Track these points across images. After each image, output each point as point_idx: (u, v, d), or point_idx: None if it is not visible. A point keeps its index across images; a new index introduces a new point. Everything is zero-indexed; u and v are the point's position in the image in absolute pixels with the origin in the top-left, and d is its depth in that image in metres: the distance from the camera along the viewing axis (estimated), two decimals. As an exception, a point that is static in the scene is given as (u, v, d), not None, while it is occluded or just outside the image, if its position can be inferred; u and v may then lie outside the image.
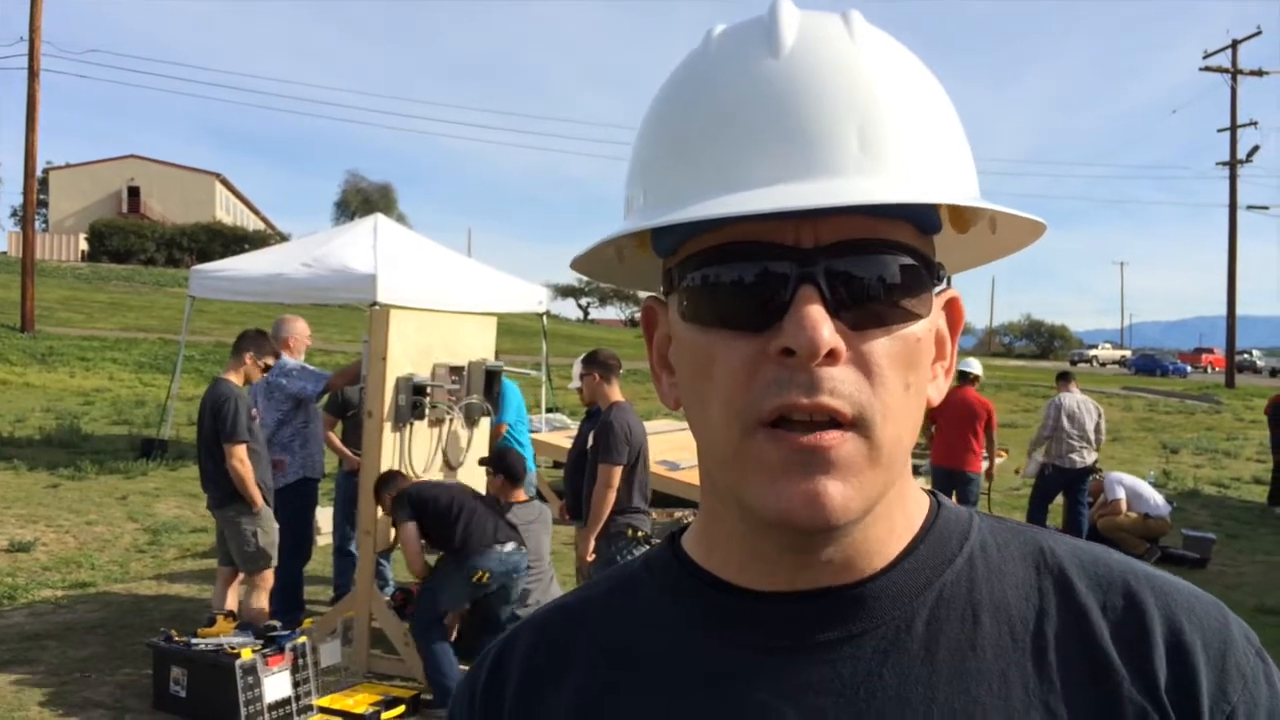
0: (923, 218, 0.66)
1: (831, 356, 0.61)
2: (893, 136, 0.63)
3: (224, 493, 5.67)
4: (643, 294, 0.81)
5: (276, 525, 5.81)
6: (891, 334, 0.63)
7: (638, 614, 0.74)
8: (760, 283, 0.63)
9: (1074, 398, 9.63)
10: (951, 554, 0.70)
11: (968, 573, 0.69)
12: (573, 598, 0.81)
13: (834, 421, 0.61)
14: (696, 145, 0.65)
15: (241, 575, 5.77)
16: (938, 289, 0.68)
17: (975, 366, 9.44)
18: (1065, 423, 9.42)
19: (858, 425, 0.62)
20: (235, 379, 5.77)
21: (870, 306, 0.63)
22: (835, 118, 0.62)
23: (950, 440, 8.91)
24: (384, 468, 5.54)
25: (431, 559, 5.40)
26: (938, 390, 0.70)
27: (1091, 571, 0.70)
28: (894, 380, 0.63)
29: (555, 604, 0.81)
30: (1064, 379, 10.10)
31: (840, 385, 0.61)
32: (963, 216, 0.69)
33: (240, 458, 5.57)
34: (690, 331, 0.66)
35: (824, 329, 0.60)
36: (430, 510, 5.18)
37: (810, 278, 0.61)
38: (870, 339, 0.63)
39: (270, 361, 5.93)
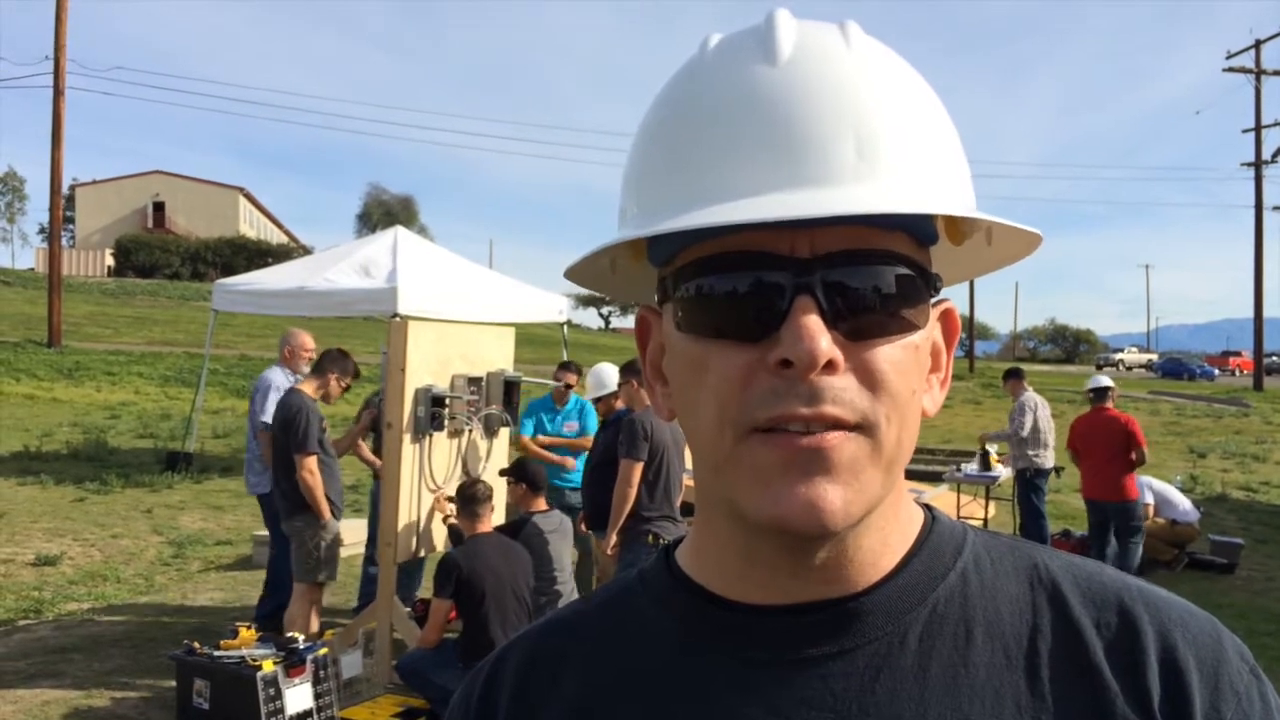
0: (919, 228, 0.66)
1: (830, 367, 0.60)
2: (888, 146, 0.62)
3: (292, 503, 5.67)
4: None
5: (341, 539, 5.82)
6: (890, 343, 0.63)
7: (630, 627, 0.74)
8: (756, 293, 0.62)
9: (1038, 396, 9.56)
10: (945, 569, 0.70)
11: (961, 588, 0.69)
12: (569, 610, 0.81)
13: (836, 425, 0.61)
14: (691, 154, 0.64)
15: (295, 585, 5.76)
16: (934, 300, 0.68)
17: (1107, 381, 8.88)
18: (1043, 422, 9.32)
19: (862, 428, 0.61)
20: (310, 391, 5.79)
21: (867, 317, 0.62)
22: (831, 127, 0.62)
23: (1099, 468, 8.41)
24: (404, 479, 5.53)
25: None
26: (933, 401, 0.70)
27: (1085, 588, 0.69)
28: (897, 384, 0.63)
29: (551, 617, 0.81)
30: (1019, 376, 9.80)
31: (841, 393, 0.61)
32: (958, 228, 0.69)
33: (310, 469, 5.58)
34: (685, 341, 0.66)
35: (821, 340, 0.60)
36: (468, 598, 4.94)
37: (807, 288, 0.61)
38: (868, 348, 0.62)
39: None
